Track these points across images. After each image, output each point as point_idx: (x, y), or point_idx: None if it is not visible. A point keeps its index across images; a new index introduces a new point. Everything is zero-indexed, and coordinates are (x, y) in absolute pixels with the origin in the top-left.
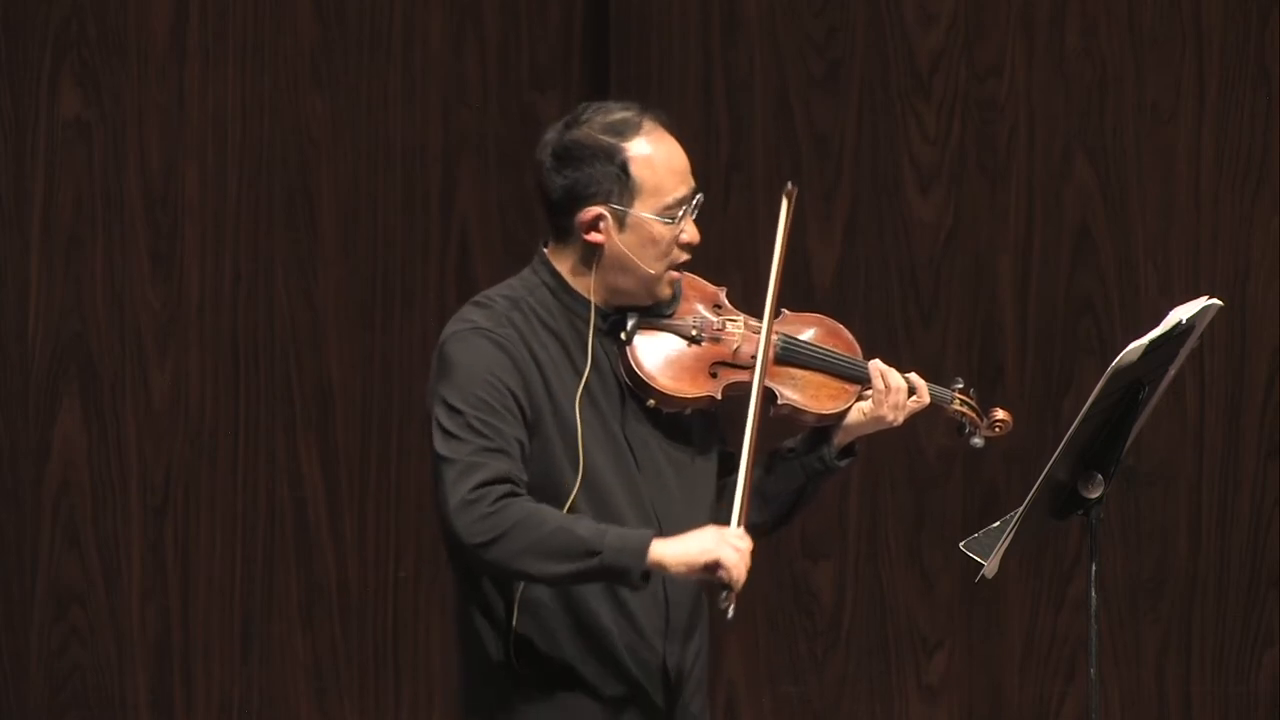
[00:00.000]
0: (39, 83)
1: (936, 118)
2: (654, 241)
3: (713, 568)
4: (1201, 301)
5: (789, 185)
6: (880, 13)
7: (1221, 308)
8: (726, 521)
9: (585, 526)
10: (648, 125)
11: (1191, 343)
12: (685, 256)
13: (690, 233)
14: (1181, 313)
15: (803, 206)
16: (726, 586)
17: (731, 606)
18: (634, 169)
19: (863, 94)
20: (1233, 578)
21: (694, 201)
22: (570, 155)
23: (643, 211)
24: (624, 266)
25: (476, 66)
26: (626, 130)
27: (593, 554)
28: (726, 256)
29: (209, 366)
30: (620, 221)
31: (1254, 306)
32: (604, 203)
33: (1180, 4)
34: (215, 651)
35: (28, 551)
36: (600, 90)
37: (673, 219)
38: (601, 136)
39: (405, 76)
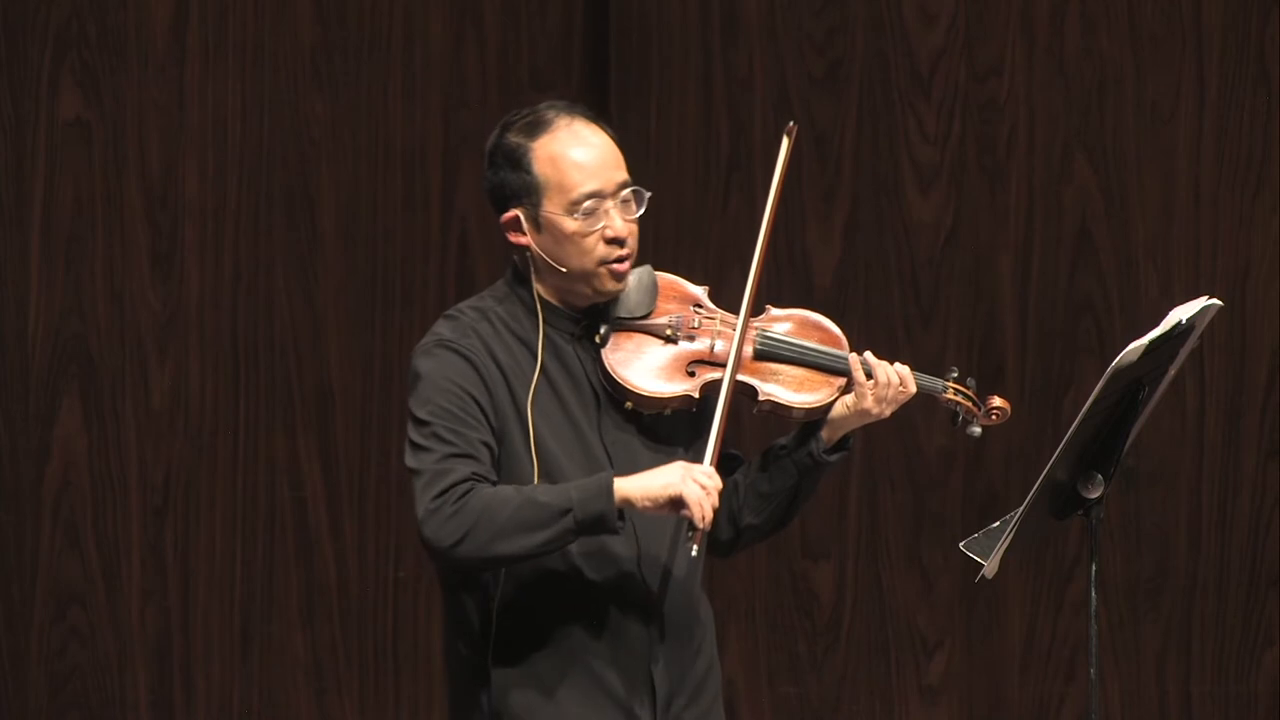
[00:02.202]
0: (39, 83)
1: (936, 118)
2: (568, 238)
3: (677, 503)
4: (1201, 301)
5: (790, 124)
6: (880, 13)
7: (1221, 308)
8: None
9: (546, 492)
10: (561, 122)
11: (1191, 343)
12: (618, 251)
13: (615, 227)
14: (1181, 313)
15: (802, 206)
16: (691, 525)
17: (695, 546)
18: (537, 168)
19: (863, 94)
20: (1233, 578)
21: (619, 195)
22: (492, 160)
23: (551, 209)
24: (551, 266)
25: (476, 66)
26: (536, 130)
27: (564, 513)
28: (726, 256)
29: (209, 366)
30: (535, 222)
31: (1254, 306)
32: (518, 204)
33: (1180, 4)
34: (215, 651)
35: (28, 551)
36: (600, 90)
37: (586, 214)
38: (513, 138)
39: (405, 76)
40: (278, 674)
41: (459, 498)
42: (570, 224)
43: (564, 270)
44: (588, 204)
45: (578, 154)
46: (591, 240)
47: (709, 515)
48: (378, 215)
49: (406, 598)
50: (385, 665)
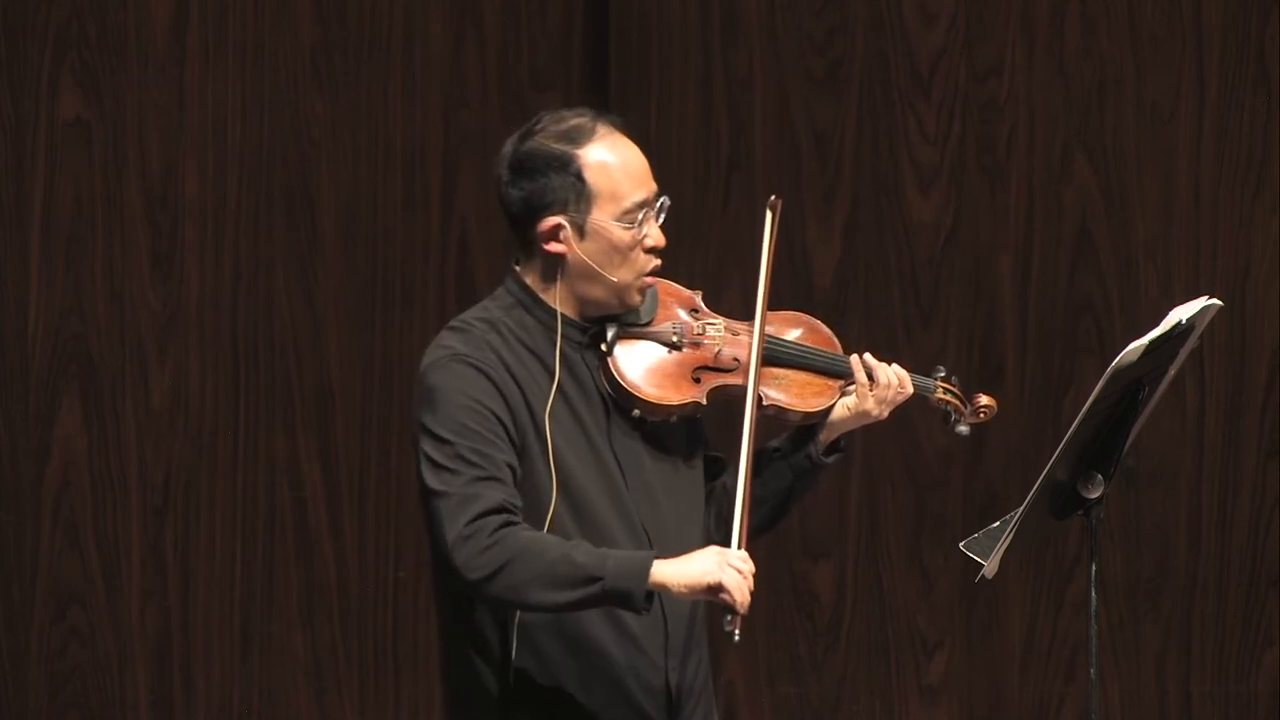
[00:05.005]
0: (39, 83)
1: (936, 118)
2: (616, 248)
3: (715, 590)
4: (1201, 301)
5: (772, 198)
6: (880, 13)
7: (1221, 308)
8: (723, 538)
9: (585, 552)
10: (602, 130)
11: (1191, 343)
12: (655, 262)
13: (655, 236)
14: (1181, 313)
15: (802, 206)
16: (731, 610)
17: (737, 630)
18: (589, 175)
19: (863, 94)
20: (1233, 578)
21: (657, 205)
22: (525, 167)
23: (601, 218)
24: (590, 275)
25: (476, 66)
26: (579, 137)
27: (594, 580)
28: (726, 257)
29: (209, 366)
30: (580, 230)
31: (1254, 306)
32: (561, 212)
33: (1180, 4)
34: (215, 651)
35: (28, 551)
36: (600, 90)
37: (633, 223)
38: (554, 145)
39: (405, 76)
40: (278, 674)
41: (495, 529)
42: (621, 233)
43: (611, 280)
44: (639, 213)
45: (627, 162)
46: (637, 251)
47: (748, 600)
48: (378, 215)
49: (406, 598)
50: (385, 665)
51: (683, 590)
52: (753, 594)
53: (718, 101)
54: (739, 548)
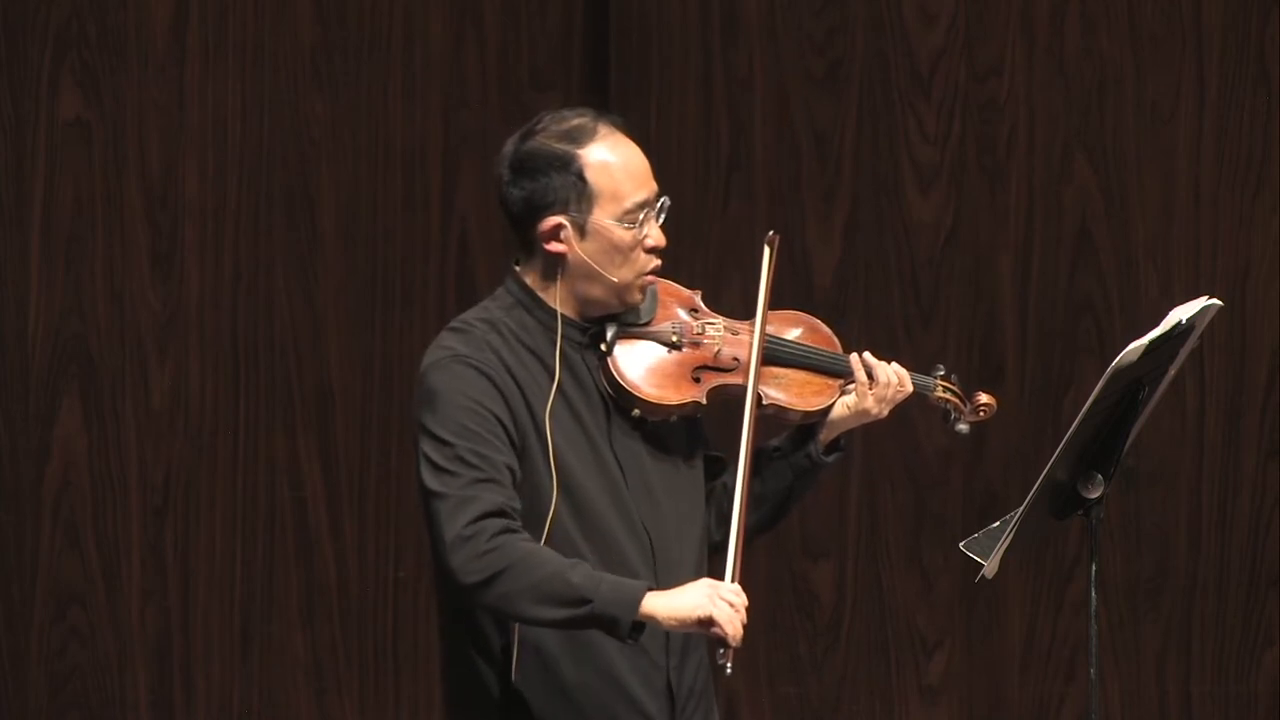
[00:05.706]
0: (39, 83)
1: (936, 118)
2: (616, 248)
3: (706, 624)
4: (1201, 301)
5: (770, 234)
6: (880, 13)
7: (1221, 308)
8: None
9: (581, 573)
10: (603, 130)
11: (1191, 343)
12: (655, 262)
13: (655, 237)
14: (1181, 313)
15: (802, 206)
16: (723, 643)
17: (729, 664)
18: (590, 175)
19: (863, 94)
20: (1233, 578)
21: (658, 205)
22: (526, 166)
23: (602, 218)
24: (590, 275)
25: (476, 66)
26: (581, 137)
27: (584, 602)
28: (726, 257)
29: (209, 366)
30: (580, 229)
31: (1254, 306)
32: (563, 211)
33: (1180, 4)
34: (215, 651)
35: (28, 551)
36: (600, 90)
37: (634, 224)
38: (556, 145)
39: (405, 76)
40: (278, 674)
41: (493, 535)
42: (622, 233)
43: (612, 280)
44: (640, 213)
45: (628, 163)
46: (637, 250)
47: (740, 633)
48: (378, 215)
49: (406, 598)
50: (385, 665)
51: (673, 624)
52: (746, 626)
53: (718, 101)
54: (733, 580)
